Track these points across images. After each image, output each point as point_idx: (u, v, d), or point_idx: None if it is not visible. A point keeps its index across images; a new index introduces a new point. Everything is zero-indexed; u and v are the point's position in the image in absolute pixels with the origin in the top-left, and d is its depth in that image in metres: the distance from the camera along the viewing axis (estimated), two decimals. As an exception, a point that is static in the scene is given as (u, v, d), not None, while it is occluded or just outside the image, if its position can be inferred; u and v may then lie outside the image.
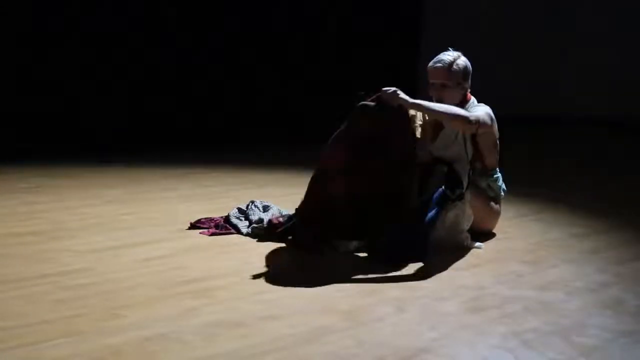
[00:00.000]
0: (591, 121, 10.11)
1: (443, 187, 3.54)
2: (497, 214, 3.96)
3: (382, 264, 3.32)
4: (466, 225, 3.66)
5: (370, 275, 3.21)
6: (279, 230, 3.71)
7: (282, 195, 4.92)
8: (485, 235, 3.88)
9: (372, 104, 3.49)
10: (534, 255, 3.62)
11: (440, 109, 3.59)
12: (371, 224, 3.51)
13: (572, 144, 8.96)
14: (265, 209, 4.14)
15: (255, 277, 3.14)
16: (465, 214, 3.63)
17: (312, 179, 3.67)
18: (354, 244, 3.55)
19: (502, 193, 4.00)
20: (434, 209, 3.51)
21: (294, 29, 8.66)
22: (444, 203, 3.53)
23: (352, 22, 9.13)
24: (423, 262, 3.35)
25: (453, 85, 3.77)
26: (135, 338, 2.43)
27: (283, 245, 3.69)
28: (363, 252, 3.49)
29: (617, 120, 9.98)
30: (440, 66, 3.76)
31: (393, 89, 3.47)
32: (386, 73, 9.25)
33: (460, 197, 3.55)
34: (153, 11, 7.64)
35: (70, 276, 3.06)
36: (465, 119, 3.59)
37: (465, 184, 3.61)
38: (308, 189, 3.66)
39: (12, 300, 2.76)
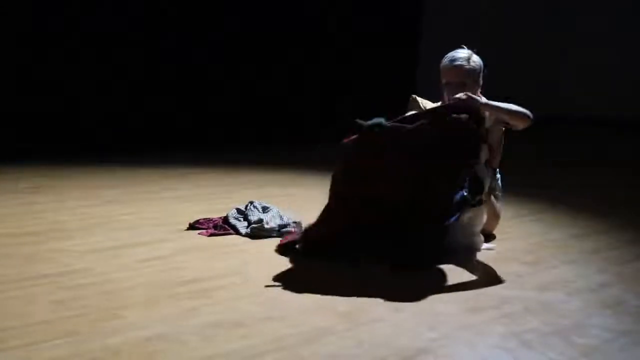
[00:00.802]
0: (591, 121, 10.12)
1: (464, 190, 3.50)
2: (499, 214, 3.95)
3: (400, 268, 3.28)
4: (479, 228, 3.63)
5: (369, 276, 3.21)
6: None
7: (282, 195, 4.92)
8: (485, 235, 3.87)
9: (463, 115, 3.37)
10: (533, 256, 3.62)
11: (506, 106, 3.56)
12: (394, 229, 3.41)
13: (572, 144, 8.96)
14: (265, 209, 4.14)
15: (255, 277, 3.14)
16: (481, 217, 3.60)
17: (336, 180, 3.51)
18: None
19: (500, 193, 3.99)
20: (455, 213, 3.47)
21: (294, 28, 8.66)
22: (462, 206, 3.49)
23: (352, 22, 9.13)
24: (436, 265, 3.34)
25: (471, 84, 3.68)
26: (135, 338, 2.43)
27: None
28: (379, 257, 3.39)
29: (617, 120, 9.99)
30: (459, 64, 3.66)
31: (462, 94, 3.44)
32: (386, 73, 9.28)
33: (480, 203, 3.51)
34: (153, 11, 7.64)
35: (69, 276, 3.06)
36: (527, 115, 3.59)
37: (487, 187, 3.56)
38: (333, 189, 3.50)
39: (11, 301, 2.76)
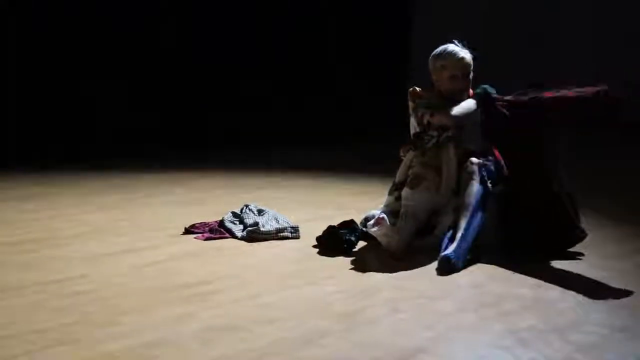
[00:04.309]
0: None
1: (480, 185, 3.54)
2: None
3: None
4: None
5: (365, 277, 3.23)
6: None
7: (277, 198, 4.92)
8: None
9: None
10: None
11: None
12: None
13: (567, 142, 8.96)
14: (260, 212, 4.15)
15: (251, 280, 3.15)
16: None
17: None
18: None
19: None
20: (477, 212, 3.51)
21: (290, 28, 8.65)
22: (485, 200, 3.53)
23: (350, 22, 9.15)
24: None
25: (469, 74, 3.80)
26: (133, 344, 2.43)
27: (278, 248, 3.70)
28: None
29: (613, 119, 9.99)
30: (463, 56, 3.75)
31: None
32: (379, 71, 9.30)
33: (501, 191, 3.57)
34: (151, 15, 7.62)
35: (67, 283, 3.06)
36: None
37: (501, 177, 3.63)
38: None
39: (9, 308, 2.76)
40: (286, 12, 8.66)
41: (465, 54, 3.77)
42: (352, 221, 3.83)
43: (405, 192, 3.65)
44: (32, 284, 3.05)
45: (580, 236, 3.67)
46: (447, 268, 3.28)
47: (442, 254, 3.34)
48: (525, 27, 10.62)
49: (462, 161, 3.63)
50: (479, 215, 3.49)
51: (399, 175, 3.80)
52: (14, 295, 2.91)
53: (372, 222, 3.56)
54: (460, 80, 3.78)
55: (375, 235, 3.53)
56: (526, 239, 3.60)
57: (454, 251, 3.33)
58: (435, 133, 3.68)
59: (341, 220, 3.84)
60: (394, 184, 3.81)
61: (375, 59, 9.38)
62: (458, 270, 3.28)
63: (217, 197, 5.06)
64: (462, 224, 3.45)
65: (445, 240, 3.46)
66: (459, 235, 3.41)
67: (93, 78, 7.31)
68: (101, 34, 7.34)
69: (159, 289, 3.01)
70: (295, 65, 8.76)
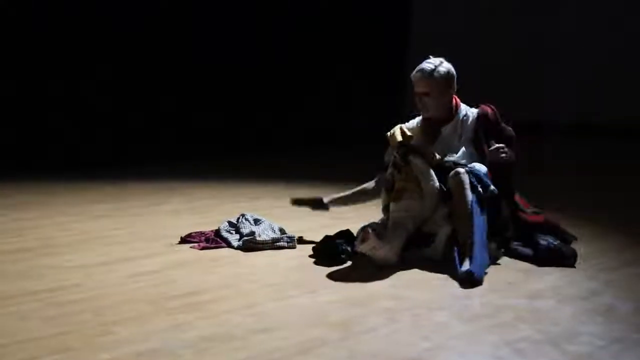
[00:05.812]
0: (581, 127, 10.14)
1: (473, 193, 3.52)
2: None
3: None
4: None
5: (361, 286, 3.22)
6: None
7: (273, 207, 4.92)
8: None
9: None
10: (524, 264, 3.62)
11: None
12: None
13: (561, 149, 8.99)
14: (256, 222, 4.14)
15: (247, 290, 3.14)
16: None
17: None
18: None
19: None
20: (476, 217, 3.48)
21: (290, 28, 8.65)
22: (482, 204, 3.52)
23: (345, 28, 9.15)
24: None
25: (436, 94, 3.75)
26: (127, 353, 2.42)
27: (273, 257, 3.69)
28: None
29: (606, 125, 10.02)
30: (420, 75, 3.73)
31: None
32: (374, 75, 9.29)
33: (492, 194, 3.56)
34: (151, 15, 7.62)
35: (60, 292, 3.05)
36: None
37: (489, 181, 3.61)
38: None
39: (2, 318, 2.75)
40: (286, 12, 8.65)
41: (426, 72, 3.72)
42: (348, 231, 3.83)
43: (391, 205, 3.65)
44: (26, 292, 3.04)
45: (570, 239, 3.78)
46: (471, 282, 3.25)
47: (462, 269, 3.32)
48: (525, 27, 10.66)
49: (446, 170, 3.63)
50: (480, 220, 3.47)
51: (383, 200, 3.80)
52: (8, 304, 2.90)
53: (358, 240, 3.60)
54: (425, 101, 3.76)
55: (364, 252, 3.51)
56: (521, 247, 3.67)
57: (473, 264, 3.31)
58: (390, 169, 3.68)
59: (338, 230, 3.84)
60: (382, 209, 3.82)
61: (375, 59, 9.38)
62: (481, 282, 3.27)
63: (213, 206, 5.05)
64: (468, 234, 3.43)
65: (457, 257, 3.43)
66: (471, 245, 3.39)
67: (92, 78, 7.30)
68: (101, 34, 7.34)
69: (154, 298, 2.99)
70: (295, 65, 8.74)
